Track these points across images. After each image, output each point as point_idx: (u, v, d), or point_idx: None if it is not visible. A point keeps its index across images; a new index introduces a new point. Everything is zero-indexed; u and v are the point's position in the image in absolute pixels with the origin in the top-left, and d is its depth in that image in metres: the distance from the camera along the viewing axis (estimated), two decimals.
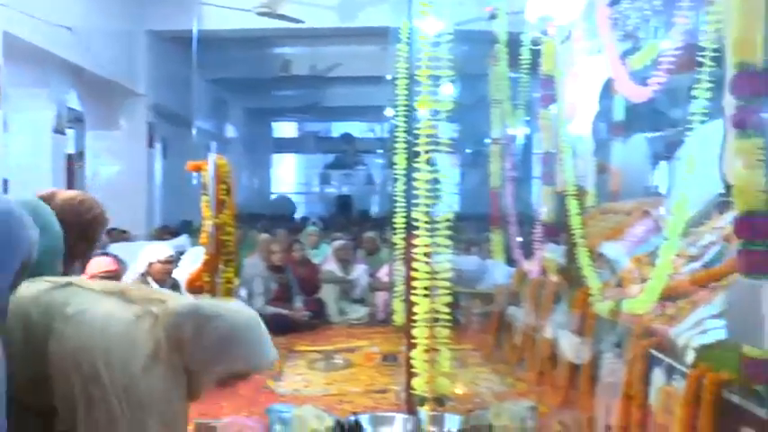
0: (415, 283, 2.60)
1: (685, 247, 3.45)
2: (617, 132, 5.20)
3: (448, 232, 2.56)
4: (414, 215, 2.59)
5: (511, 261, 5.22)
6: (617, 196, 5.35)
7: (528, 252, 4.65)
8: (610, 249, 4.18)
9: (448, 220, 2.57)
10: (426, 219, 2.55)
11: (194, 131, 9.92)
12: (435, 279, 2.60)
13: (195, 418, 3.80)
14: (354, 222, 12.66)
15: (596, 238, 4.46)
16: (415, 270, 2.59)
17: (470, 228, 7.35)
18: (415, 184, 2.56)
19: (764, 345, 0.98)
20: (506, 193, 5.24)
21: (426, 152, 2.53)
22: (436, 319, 2.63)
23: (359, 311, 7.24)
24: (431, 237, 2.53)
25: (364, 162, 19.66)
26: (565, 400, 3.74)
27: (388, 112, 4.55)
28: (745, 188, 2.22)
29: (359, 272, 7.49)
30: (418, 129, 2.58)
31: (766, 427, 2.06)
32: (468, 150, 12.80)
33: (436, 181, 2.55)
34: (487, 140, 6.23)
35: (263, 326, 1.66)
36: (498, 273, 5.26)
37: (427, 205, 2.54)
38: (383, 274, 6.96)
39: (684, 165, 2.67)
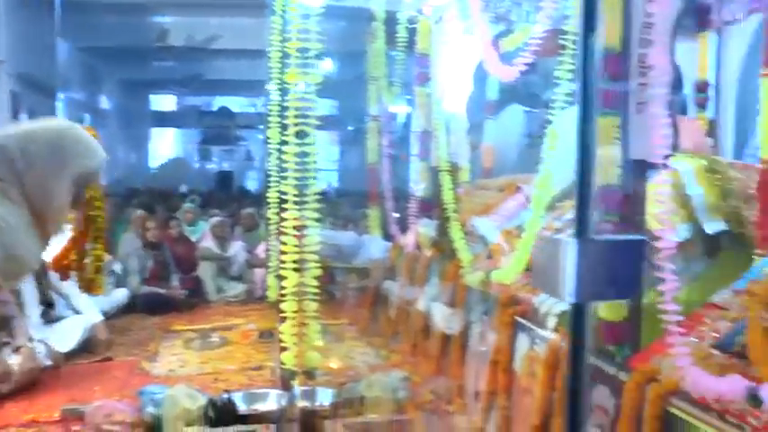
0: (284, 257, 2.58)
1: (552, 220, 3.61)
2: (491, 111, 5.35)
3: (317, 206, 2.55)
4: (282, 189, 2.56)
5: (388, 236, 5.28)
6: (491, 173, 5.53)
7: (404, 227, 4.72)
8: (481, 223, 4.31)
9: (317, 195, 2.56)
10: (295, 192, 2.53)
11: (60, 102, 9.35)
12: (304, 253, 2.58)
13: (63, 404, 3.64)
14: (234, 198, 12.40)
15: (470, 212, 4.59)
16: (285, 244, 2.57)
17: (350, 204, 7.36)
18: (283, 157, 2.53)
19: (564, 296, 1.07)
20: (383, 170, 5.29)
21: (295, 125, 2.51)
22: (305, 293, 2.62)
23: (236, 289, 7.14)
24: (300, 210, 2.52)
25: (243, 137, 19.26)
26: (437, 370, 3.84)
27: (271, 86, 4.52)
28: (603, 163, 2.34)
29: (236, 249, 7.37)
30: (287, 102, 2.55)
31: (616, 382, 2.20)
32: (350, 128, 12.80)
33: (305, 155, 2.53)
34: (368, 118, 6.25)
35: (84, 130, 1.83)
36: (375, 248, 5.32)
37: (296, 179, 2.52)
38: (261, 250, 6.88)
39: (547, 143, 2.77)
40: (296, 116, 2.50)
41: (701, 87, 4.37)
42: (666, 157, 2.41)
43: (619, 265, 1.06)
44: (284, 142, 2.63)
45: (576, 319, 1.07)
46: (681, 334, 1.99)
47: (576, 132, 1.03)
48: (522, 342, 2.90)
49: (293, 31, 2.47)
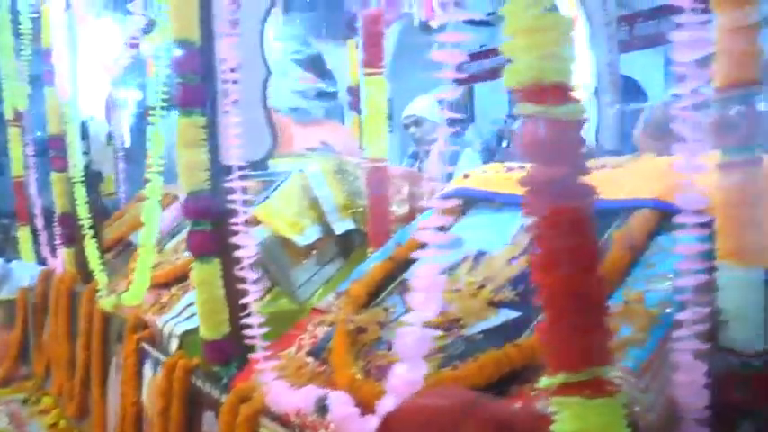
0: None
1: None
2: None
3: None
4: None
5: (41, 259, 4.80)
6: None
7: (55, 248, 4.30)
8: (137, 237, 4.06)
9: None
10: None
11: None
12: None
13: None
14: None
15: (130, 227, 4.31)
16: None
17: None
18: None
19: None
20: (30, 183, 4.78)
21: None
22: None
23: None
24: None
25: None
26: (82, 410, 3.52)
27: None
28: (189, 168, 2.23)
29: None
30: None
31: (220, 406, 2.10)
32: None
33: None
34: None
35: None
36: (25, 274, 4.79)
37: None
38: None
39: (152, 147, 2.62)
40: None
41: (354, 91, 4.56)
42: (263, 160, 2.38)
43: None
44: None
45: None
46: (265, 347, 1.94)
47: None
48: (148, 370, 2.72)
49: None
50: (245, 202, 2.00)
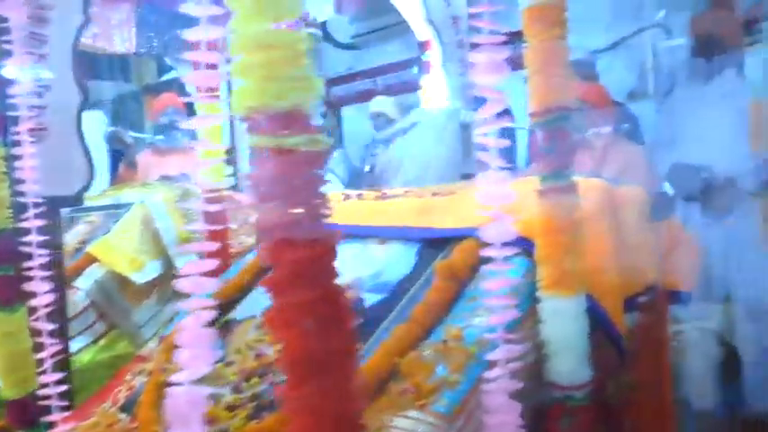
0: None
1: None
2: None
3: None
4: None
5: None
6: None
7: None
8: None
9: None
10: None
11: None
12: None
13: None
14: None
15: None
16: None
17: None
18: None
19: None
20: None
21: None
22: None
23: None
24: None
25: None
26: None
27: None
28: None
29: None
30: None
31: None
32: None
33: None
34: None
35: None
36: None
37: None
38: None
39: None
40: None
41: None
42: (78, 194, 2.17)
43: None
44: None
45: None
46: (63, 407, 1.72)
47: None
48: None
49: None
50: (44, 243, 1.79)
